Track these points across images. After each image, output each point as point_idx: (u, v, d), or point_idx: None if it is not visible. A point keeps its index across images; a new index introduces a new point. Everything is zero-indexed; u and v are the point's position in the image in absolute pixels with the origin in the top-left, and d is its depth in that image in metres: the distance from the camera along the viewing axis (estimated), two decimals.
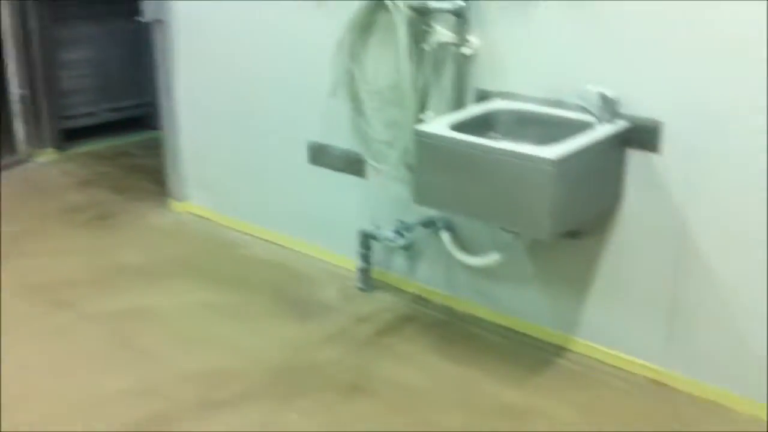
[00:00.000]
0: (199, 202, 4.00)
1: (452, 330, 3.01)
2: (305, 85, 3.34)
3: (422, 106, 2.92)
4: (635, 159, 2.50)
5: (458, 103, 2.83)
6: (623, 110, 2.46)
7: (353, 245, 3.27)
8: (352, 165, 3.29)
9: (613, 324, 2.71)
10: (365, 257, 3.27)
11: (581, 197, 2.45)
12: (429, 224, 3.05)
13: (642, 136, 2.46)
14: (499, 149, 2.39)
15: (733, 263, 2.42)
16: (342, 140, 3.28)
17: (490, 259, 2.82)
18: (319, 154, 3.41)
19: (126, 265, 3.54)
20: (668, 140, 2.42)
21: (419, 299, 3.21)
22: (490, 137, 2.58)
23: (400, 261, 3.26)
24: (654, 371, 2.65)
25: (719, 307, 2.47)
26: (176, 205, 4.07)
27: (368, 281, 3.30)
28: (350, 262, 3.34)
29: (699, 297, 2.50)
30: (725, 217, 2.39)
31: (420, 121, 2.83)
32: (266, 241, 3.71)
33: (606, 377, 2.70)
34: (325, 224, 3.48)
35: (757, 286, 2.38)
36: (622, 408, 2.56)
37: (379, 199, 3.23)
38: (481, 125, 2.61)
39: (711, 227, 2.43)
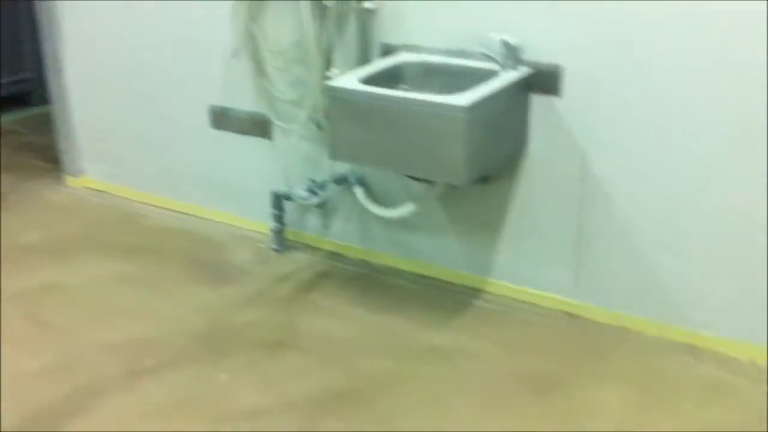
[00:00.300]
0: (96, 176, 3.88)
1: (371, 282, 3.08)
2: (203, 48, 3.29)
3: (327, 64, 2.94)
4: (539, 103, 2.61)
5: (363, 59, 2.87)
6: (525, 56, 2.56)
7: (264, 208, 3.27)
8: (258, 127, 3.28)
9: (526, 263, 2.85)
10: (278, 218, 3.28)
11: (491, 142, 2.55)
12: (341, 181, 3.09)
13: (544, 80, 2.57)
14: (412, 99, 2.45)
15: (633, 196, 2.58)
16: (245, 102, 3.26)
17: (405, 210, 2.90)
18: (222, 118, 3.38)
19: (28, 244, 3.41)
20: (569, 83, 2.54)
21: (336, 255, 3.25)
22: (399, 89, 2.63)
23: (314, 220, 3.29)
24: (567, 304, 2.81)
25: (623, 238, 2.63)
26: (72, 181, 3.94)
27: (282, 242, 3.32)
28: (262, 225, 3.34)
29: (604, 231, 2.66)
30: (624, 153, 2.54)
31: (326, 78, 2.85)
32: (171, 210, 3.65)
33: (523, 314, 2.84)
34: (233, 189, 3.46)
35: (656, 215, 2.56)
36: (540, 341, 2.70)
37: (288, 160, 3.24)
38: (389, 78, 2.66)
39: (611, 163, 2.58)
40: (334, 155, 2.68)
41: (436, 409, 2.38)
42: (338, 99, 2.57)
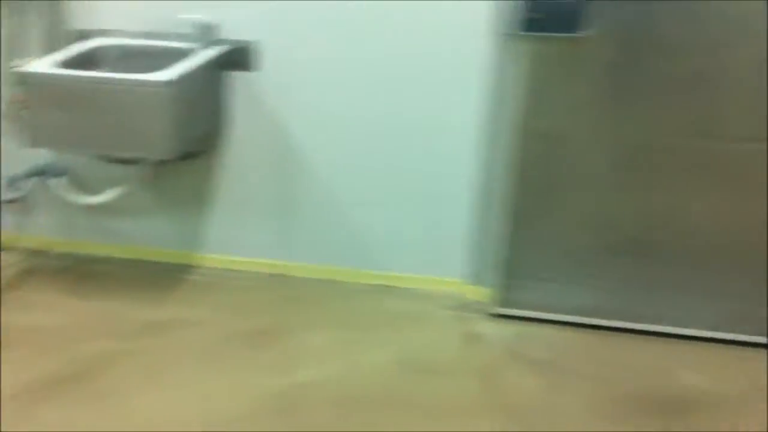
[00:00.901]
0: None
1: (82, 273, 3.06)
2: None
3: (13, 53, 2.87)
4: (238, 79, 2.81)
5: (56, 45, 2.85)
6: (222, 35, 2.75)
7: None
8: None
9: (236, 233, 3.04)
10: None
11: (195, 117, 2.69)
12: (39, 173, 3.03)
13: (240, 57, 2.78)
14: (113, 79, 2.51)
15: (327, 159, 2.87)
16: None
17: (111, 194, 2.93)
18: None
19: None
20: (265, 59, 2.77)
21: (39, 252, 3.18)
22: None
23: (10, 218, 3.18)
24: (274, 266, 3.05)
25: (322, 199, 2.92)
26: None
27: None
28: None
29: (304, 194, 2.93)
30: (317, 121, 2.82)
31: (13, 67, 2.79)
32: None
33: (234, 281, 3.02)
34: None
35: (348, 175, 2.88)
36: (254, 302, 2.90)
37: None
38: (85, 63, 2.69)
39: (307, 131, 2.85)
40: (34, 143, 2.64)
41: (158, 377, 2.47)
42: (34, 85, 2.54)
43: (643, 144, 2.55)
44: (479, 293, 2.88)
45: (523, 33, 2.47)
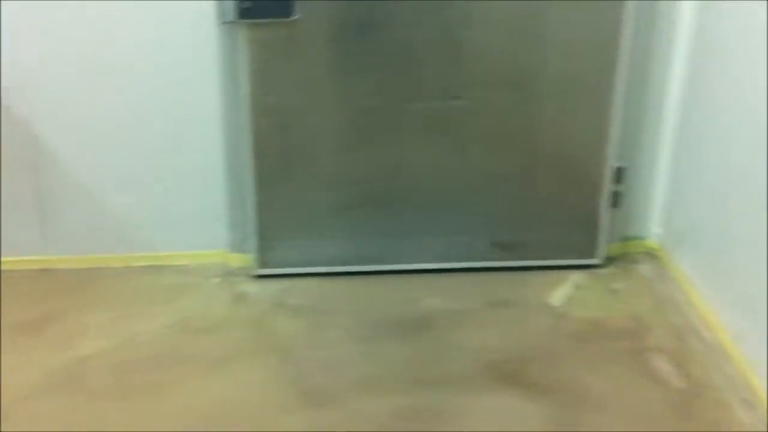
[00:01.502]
0: None
1: None
2: None
3: None
4: None
5: None
6: None
7: None
8: None
9: None
10: None
11: None
12: None
13: None
14: None
15: (77, 149, 2.97)
16: None
17: None
18: None
19: None
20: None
21: None
22: None
23: None
24: (38, 262, 3.10)
25: (79, 192, 3.02)
26: None
27: None
28: None
29: (61, 189, 3.02)
30: (60, 112, 2.92)
31: None
32: None
33: None
34: None
35: (101, 164, 3.01)
36: (15, 295, 2.94)
37: None
38: None
39: (49, 123, 2.93)
40: None
41: None
42: None
43: (364, 109, 2.93)
44: (242, 259, 3.13)
45: (240, 21, 2.76)
